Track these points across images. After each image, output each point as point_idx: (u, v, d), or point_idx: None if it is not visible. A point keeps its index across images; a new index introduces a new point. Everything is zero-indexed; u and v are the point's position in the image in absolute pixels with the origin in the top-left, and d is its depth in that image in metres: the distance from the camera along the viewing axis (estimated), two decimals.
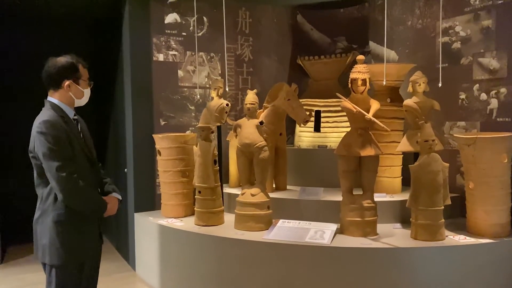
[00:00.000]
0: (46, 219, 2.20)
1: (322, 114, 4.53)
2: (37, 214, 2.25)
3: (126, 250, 4.63)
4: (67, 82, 2.26)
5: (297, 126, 4.63)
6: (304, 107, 4.33)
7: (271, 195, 3.87)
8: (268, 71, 5.03)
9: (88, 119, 5.61)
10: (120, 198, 2.46)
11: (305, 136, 4.60)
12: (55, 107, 2.24)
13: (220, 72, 4.65)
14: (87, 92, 2.36)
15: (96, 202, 2.30)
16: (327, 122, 4.53)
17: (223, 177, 4.34)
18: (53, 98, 2.28)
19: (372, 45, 4.87)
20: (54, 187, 2.14)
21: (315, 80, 4.84)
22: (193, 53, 4.45)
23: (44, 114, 2.20)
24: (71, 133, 2.22)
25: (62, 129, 2.17)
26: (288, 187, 4.26)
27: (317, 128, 4.55)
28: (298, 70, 5.04)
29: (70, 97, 2.29)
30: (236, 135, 3.76)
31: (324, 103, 4.54)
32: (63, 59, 2.27)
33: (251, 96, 3.67)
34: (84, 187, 2.19)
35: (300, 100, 4.47)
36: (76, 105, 2.35)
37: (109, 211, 2.34)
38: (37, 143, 2.14)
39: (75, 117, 2.34)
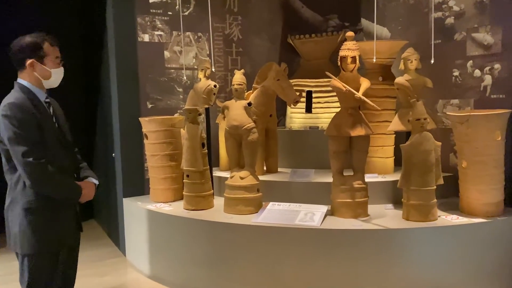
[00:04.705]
0: (16, 207, 2.11)
1: (313, 95, 4.43)
2: (7, 201, 2.16)
3: (116, 236, 4.57)
4: (29, 61, 2.15)
5: (288, 107, 4.53)
6: (295, 88, 4.22)
7: (262, 177, 3.81)
8: (258, 51, 4.90)
9: (77, 104, 5.56)
10: (97, 183, 2.37)
11: (296, 117, 4.51)
12: (24, 89, 2.14)
13: (208, 52, 4.52)
14: (56, 72, 2.22)
15: (69, 188, 2.21)
16: (319, 102, 4.43)
17: (214, 161, 4.26)
18: (22, 79, 2.17)
19: (364, 22, 4.74)
20: (21, 173, 2.05)
21: (306, 60, 4.72)
22: (179, 33, 4.32)
23: (11, 96, 2.10)
24: (41, 117, 2.11)
25: (29, 112, 2.07)
26: (279, 169, 4.18)
27: (308, 109, 4.45)
28: (290, 50, 4.91)
29: (37, 77, 2.18)
30: (224, 117, 3.67)
31: (315, 83, 4.43)
32: (27, 37, 2.16)
33: (238, 77, 3.56)
34: (54, 173, 2.09)
35: (291, 80, 4.36)
36: (47, 87, 2.24)
37: (84, 197, 2.25)
38: (2, 127, 2.04)
39: (47, 100, 2.23)
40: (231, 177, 3.52)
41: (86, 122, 5.66)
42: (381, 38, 4.47)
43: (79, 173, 2.36)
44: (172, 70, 4.37)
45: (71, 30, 5.35)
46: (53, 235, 2.16)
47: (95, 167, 5.56)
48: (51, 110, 2.23)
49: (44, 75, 2.19)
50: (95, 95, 5.25)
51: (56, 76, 2.23)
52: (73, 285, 2.38)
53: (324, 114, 4.36)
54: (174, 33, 4.34)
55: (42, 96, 2.20)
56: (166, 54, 4.33)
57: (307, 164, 4.06)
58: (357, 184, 3.23)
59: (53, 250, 2.17)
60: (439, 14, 3.83)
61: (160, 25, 4.28)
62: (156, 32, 4.27)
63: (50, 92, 2.35)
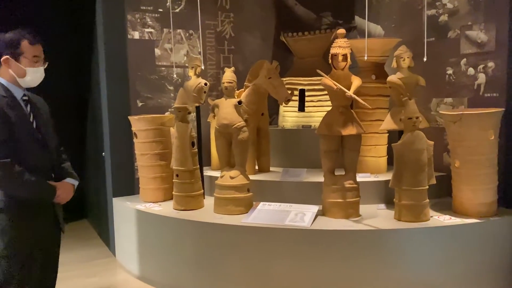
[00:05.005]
0: None
1: (306, 93, 4.38)
2: None
3: (107, 236, 4.51)
4: (3, 57, 2.10)
5: (281, 106, 4.47)
6: (288, 86, 4.17)
7: (253, 177, 3.76)
8: (251, 48, 4.84)
9: (70, 102, 5.49)
10: (75, 184, 2.30)
11: (289, 116, 4.46)
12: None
13: (200, 50, 4.46)
14: (32, 71, 2.15)
15: (40, 188, 2.13)
16: (312, 101, 4.38)
17: (206, 160, 4.21)
18: None
19: (358, 20, 4.69)
20: None
21: (299, 58, 4.67)
22: (170, 31, 4.25)
23: None
24: (13, 114, 2.05)
25: None
26: (271, 168, 4.13)
27: (301, 108, 4.40)
28: (283, 48, 4.86)
29: (12, 74, 2.12)
30: (214, 116, 3.61)
31: (308, 82, 4.37)
32: (7, 34, 2.12)
33: (228, 74, 3.50)
34: (21, 172, 2.03)
35: (284, 79, 4.31)
36: (25, 86, 2.18)
37: (60, 197, 2.18)
38: None
39: (25, 98, 2.17)
40: (221, 177, 3.47)
41: (78, 120, 5.60)
42: (375, 36, 4.42)
43: (60, 173, 2.29)
44: (162, 68, 4.30)
45: (61, 28, 5.28)
46: (24, 235, 2.09)
47: (86, 166, 5.51)
48: (29, 108, 2.16)
49: (19, 73, 2.13)
50: (86, 93, 5.19)
51: (32, 75, 2.16)
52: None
53: (317, 112, 4.31)
54: (165, 30, 4.27)
55: (19, 94, 2.14)
56: (157, 51, 4.27)
57: (300, 163, 4.01)
58: (348, 183, 3.18)
59: (26, 250, 2.10)
60: (433, 11, 3.78)
61: (150, 22, 4.22)
62: (147, 29, 4.21)
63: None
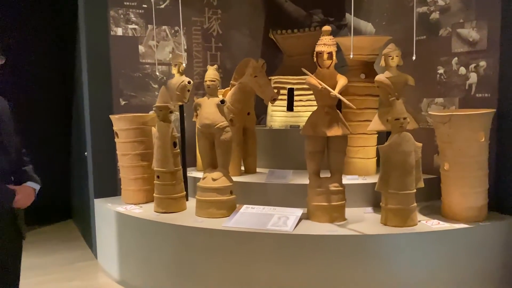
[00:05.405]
0: None
1: (295, 92, 4.26)
2: None
3: (90, 238, 4.40)
4: None
5: (269, 105, 4.35)
6: (277, 85, 4.06)
7: (238, 178, 3.65)
8: (239, 46, 4.72)
9: (56, 103, 5.36)
10: (37, 188, 2.18)
11: (277, 116, 4.34)
12: None
13: (185, 47, 4.33)
14: None
15: None
16: (301, 100, 4.26)
17: (191, 160, 4.10)
18: None
19: (349, 17, 4.56)
20: None
21: (288, 56, 4.55)
22: (153, 27, 4.12)
23: None
24: None
25: None
26: (258, 169, 4.02)
27: (290, 107, 4.28)
28: (272, 45, 4.73)
29: None
30: (197, 115, 3.49)
31: (297, 80, 4.25)
32: None
33: (211, 72, 3.38)
34: None
35: (272, 77, 4.20)
36: None
37: (19, 202, 2.06)
38: None
39: None
40: (203, 178, 3.35)
41: (65, 120, 5.48)
42: (365, 34, 4.31)
43: (21, 177, 2.16)
44: (147, 66, 4.18)
45: (42, 24, 5.15)
46: None
47: (72, 166, 5.39)
48: None
49: None
50: (71, 92, 5.07)
51: None
52: None
53: (306, 112, 4.18)
54: (149, 27, 4.15)
55: None
56: (141, 48, 4.14)
57: (288, 164, 3.89)
58: (333, 186, 3.06)
59: None
60: (424, 8, 3.66)
61: (134, 18, 4.09)
62: (130, 26, 4.08)
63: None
